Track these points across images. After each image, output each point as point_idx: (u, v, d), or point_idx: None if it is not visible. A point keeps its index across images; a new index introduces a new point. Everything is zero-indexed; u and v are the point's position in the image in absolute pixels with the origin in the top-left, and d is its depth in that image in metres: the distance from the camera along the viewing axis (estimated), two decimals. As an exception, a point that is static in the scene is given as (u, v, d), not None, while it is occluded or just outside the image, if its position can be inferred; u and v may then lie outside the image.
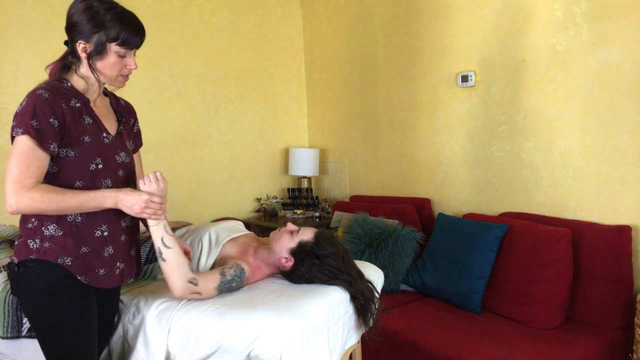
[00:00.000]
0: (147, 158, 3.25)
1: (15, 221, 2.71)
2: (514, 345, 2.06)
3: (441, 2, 2.96)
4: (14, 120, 1.36)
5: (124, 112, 1.63)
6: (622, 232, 2.20)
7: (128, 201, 1.42)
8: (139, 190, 1.47)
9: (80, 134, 1.42)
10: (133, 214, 1.44)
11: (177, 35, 3.41)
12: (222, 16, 3.63)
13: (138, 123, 1.70)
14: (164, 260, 1.52)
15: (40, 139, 1.33)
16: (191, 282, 1.54)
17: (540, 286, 2.26)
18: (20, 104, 1.36)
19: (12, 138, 1.36)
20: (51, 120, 1.35)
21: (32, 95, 1.36)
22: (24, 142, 1.33)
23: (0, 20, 2.78)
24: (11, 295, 1.63)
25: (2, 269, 1.76)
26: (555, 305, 2.22)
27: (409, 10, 3.17)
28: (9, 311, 1.63)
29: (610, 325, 2.18)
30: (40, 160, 1.34)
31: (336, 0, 3.72)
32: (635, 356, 2.04)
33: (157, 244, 1.52)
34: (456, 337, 2.16)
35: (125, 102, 1.67)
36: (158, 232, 1.52)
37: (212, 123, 3.63)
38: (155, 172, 1.50)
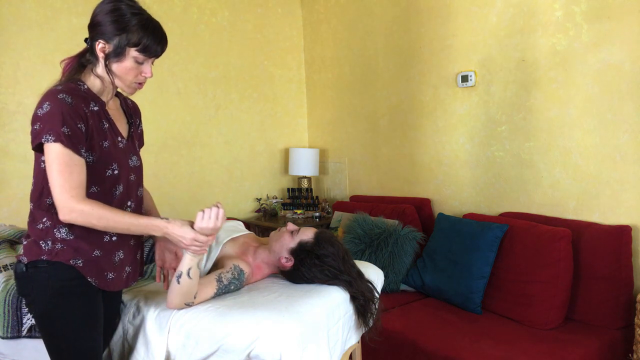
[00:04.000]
0: (147, 158, 3.26)
1: (15, 221, 2.71)
2: (514, 345, 2.06)
3: (441, 2, 2.96)
4: (37, 123, 1.32)
5: (133, 113, 1.62)
6: (622, 232, 2.20)
7: (176, 236, 1.42)
8: (192, 222, 1.45)
9: (100, 139, 1.41)
10: (180, 246, 1.44)
11: (177, 35, 3.41)
12: (222, 16, 3.63)
13: (142, 123, 1.70)
14: (178, 283, 1.52)
15: (73, 145, 1.32)
16: (187, 304, 1.55)
17: (540, 286, 2.26)
18: (40, 107, 1.32)
19: (36, 143, 1.32)
20: (79, 125, 1.34)
21: (54, 100, 1.32)
22: (59, 150, 1.31)
23: (0, 20, 2.78)
24: (11, 295, 1.63)
25: (1, 269, 1.76)
26: (555, 305, 2.22)
27: (409, 10, 3.17)
28: (9, 311, 1.63)
29: (610, 325, 2.18)
30: (79, 165, 1.34)
31: (336, 0, 3.72)
32: (635, 356, 2.04)
33: (183, 269, 1.51)
34: (456, 337, 2.15)
35: (132, 102, 1.66)
36: (190, 262, 1.50)
37: (212, 123, 3.63)
38: (218, 209, 1.45)
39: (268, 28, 3.88)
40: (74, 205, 1.31)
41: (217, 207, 1.46)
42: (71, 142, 1.31)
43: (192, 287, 1.54)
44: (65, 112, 1.31)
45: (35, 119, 1.33)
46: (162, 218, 1.42)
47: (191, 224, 1.46)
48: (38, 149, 1.36)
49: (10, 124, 2.82)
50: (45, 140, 1.31)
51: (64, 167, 1.31)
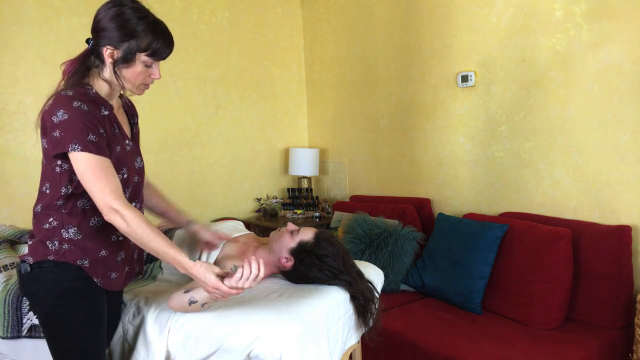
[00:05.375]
0: (147, 158, 3.27)
1: (15, 221, 2.71)
2: (514, 345, 2.06)
3: (441, 2, 2.96)
4: (56, 130, 1.29)
5: (133, 113, 1.62)
6: (622, 232, 2.20)
7: (200, 280, 1.36)
8: (222, 273, 1.39)
9: (114, 144, 1.41)
10: (204, 289, 1.40)
11: (177, 35, 3.34)
12: (222, 16, 3.63)
13: (138, 122, 1.69)
14: (189, 305, 1.50)
15: (101, 151, 1.32)
16: (185, 312, 1.54)
17: (540, 286, 2.26)
18: (54, 114, 1.30)
19: (59, 151, 1.31)
20: (101, 130, 1.34)
21: (70, 107, 1.30)
22: (88, 157, 1.30)
23: (0, 20, 2.78)
24: (11, 295, 1.63)
25: (1, 269, 1.76)
26: (555, 305, 2.22)
27: (409, 10, 3.17)
28: (9, 311, 1.62)
29: (610, 325, 2.18)
30: (111, 168, 1.34)
31: (336, 0, 3.72)
32: (635, 356, 2.04)
33: (199, 300, 1.48)
34: (456, 337, 2.16)
35: (129, 100, 1.65)
36: (208, 299, 1.47)
37: (212, 123, 3.63)
38: (258, 274, 1.37)
39: (268, 28, 3.88)
40: (119, 208, 1.30)
41: (259, 268, 1.38)
42: (98, 149, 1.31)
43: (199, 311, 1.54)
44: (85, 120, 1.31)
45: (51, 126, 1.31)
46: (190, 258, 1.38)
47: (220, 275, 1.38)
48: (58, 155, 1.34)
49: (10, 124, 2.82)
50: (71, 149, 1.29)
51: (99, 171, 1.30)
